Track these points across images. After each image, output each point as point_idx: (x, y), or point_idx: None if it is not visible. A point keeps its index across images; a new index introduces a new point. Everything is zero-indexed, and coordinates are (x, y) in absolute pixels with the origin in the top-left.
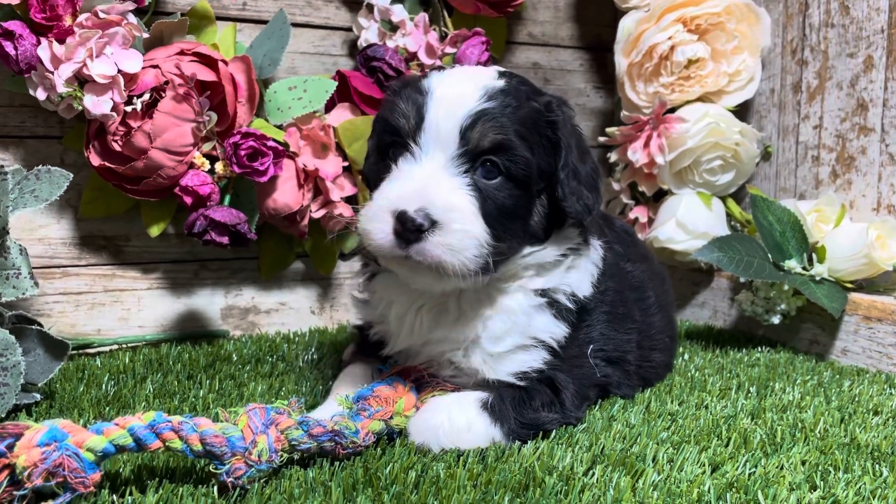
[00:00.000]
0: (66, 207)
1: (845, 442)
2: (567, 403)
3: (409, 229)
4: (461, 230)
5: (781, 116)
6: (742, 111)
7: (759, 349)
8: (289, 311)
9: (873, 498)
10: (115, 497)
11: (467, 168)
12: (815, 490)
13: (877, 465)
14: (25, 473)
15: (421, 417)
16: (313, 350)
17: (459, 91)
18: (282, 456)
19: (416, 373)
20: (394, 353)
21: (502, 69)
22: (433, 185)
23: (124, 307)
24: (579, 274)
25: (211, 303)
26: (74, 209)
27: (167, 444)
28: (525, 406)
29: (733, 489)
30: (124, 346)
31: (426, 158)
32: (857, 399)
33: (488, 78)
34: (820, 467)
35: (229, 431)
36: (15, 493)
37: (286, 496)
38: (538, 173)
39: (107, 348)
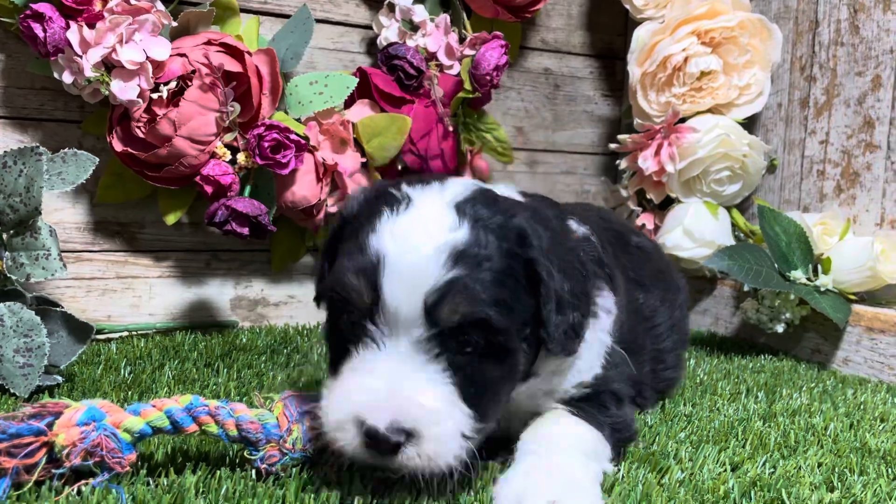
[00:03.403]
0: (82, 192)
1: (857, 446)
2: None
3: (383, 448)
4: (439, 434)
5: (788, 131)
6: (749, 124)
7: (763, 357)
8: (297, 305)
9: (889, 499)
10: (152, 478)
11: (439, 351)
12: (833, 491)
13: (890, 469)
14: (64, 452)
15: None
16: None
17: (417, 256)
18: (316, 445)
19: None
20: None
21: (460, 196)
22: (403, 386)
23: (135, 294)
24: (587, 360)
25: (221, 293)
26: (90, 194)
27: (203, 427)
28: None
29: (757, 487)
30: (135, 333)
31: (389, 345)
32: (862, 406)
33: (447, 226)
34: (836, 469)
35: (265, 418)
36: (54, 471)
37: (325, 481)
38: (520, 327)
39: (117, 335)
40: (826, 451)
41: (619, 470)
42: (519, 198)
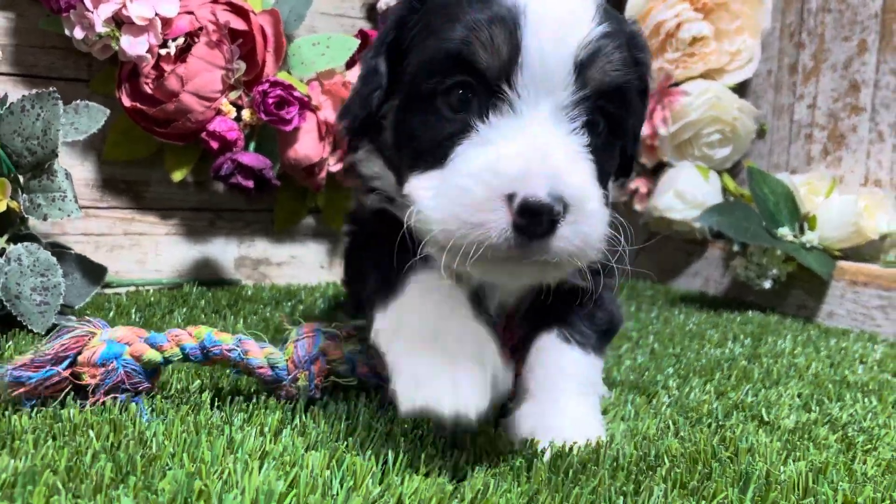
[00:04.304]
0: (90, 150)
1: (836, 380)
2: None
3: (538, 226)
4: (595, 210)
5: (777, 96)
6: (740, 91)
7: (751, 312)
8: (299, 265)
9: (864, 420)
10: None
11: (583, 120)
12: (811, 412)
13: (866, 398)
14: (90, 389)
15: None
16: (330, 298)
17: (566, 7)
18: (325, 382)
19: None
20: None
21: None
22: (556, 152)
23: (142, 251)
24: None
25: (224, 252)
26: (98, 152)
27: (216, 363)
28: None
29: (738, 409)
30: (141, 287)
31: (529, 109)
32: (843, 350)
33: None
34: (815, 397)
35: (275, 361)
36: (80, 401)
37: (333, 398)
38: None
39: (124, 289)
40: (806, 384)
41: (610, 397)
42: None
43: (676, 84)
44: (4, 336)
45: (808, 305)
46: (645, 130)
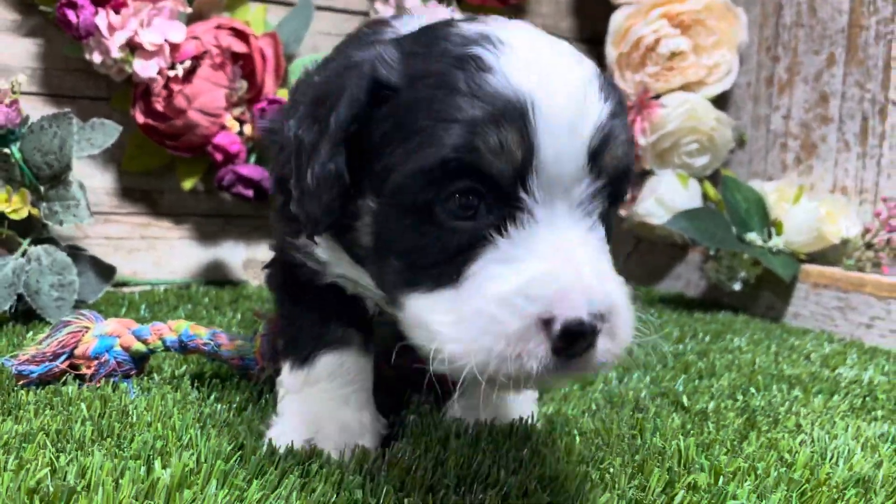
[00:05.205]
0: (110, 162)
1: (772, 373)
2: None
3: (583, 343)
4: (627, 316)
5: (755, 107)
6: (721, 102)
7: (722, 313)
8: None
9: (780, 407)
10: (158, 376)
11: (599, 210)
12: (734, 401)
13: (792, 389)
14: (87, 376)
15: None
16: None
17: (573, 91)
18: None
19: None
20: None
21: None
22: (586, 262)
23: (158, 253)
24: None
25: (233, 254)
26: (117, 163)
27: (193, 353)
28: None
29: (663, 396)
30: (157, 286)
31: (548, 213)
32: (794, 347)
33: (576, 56)
34: (742, 387)
35: (245, 352)
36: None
37: None
38: None
39: (140, 288)
40: (741, 376)
41: None
42: None
43: (657, 97)
44: (26, 327)
45: (776, 307)
46: None
